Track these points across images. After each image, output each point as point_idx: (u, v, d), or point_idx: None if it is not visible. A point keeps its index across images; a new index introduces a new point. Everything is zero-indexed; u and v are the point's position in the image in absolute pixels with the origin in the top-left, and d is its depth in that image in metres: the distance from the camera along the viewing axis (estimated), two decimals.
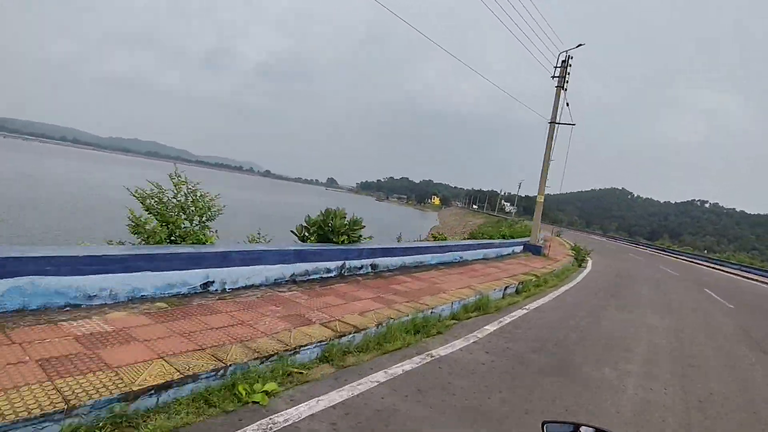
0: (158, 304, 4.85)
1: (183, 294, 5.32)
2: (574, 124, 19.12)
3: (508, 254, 17.14)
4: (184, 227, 6.09)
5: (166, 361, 3.49)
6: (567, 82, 19.23)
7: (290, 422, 3.20)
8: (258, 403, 3.38)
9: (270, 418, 3.20)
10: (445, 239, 17.36)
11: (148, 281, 4.94)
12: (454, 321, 6.86)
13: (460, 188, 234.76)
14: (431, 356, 5.11)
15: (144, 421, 2.87)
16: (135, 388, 2.98)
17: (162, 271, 5.07)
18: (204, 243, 6.16)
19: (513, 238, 19.55)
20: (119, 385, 2.98)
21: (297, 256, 6.86)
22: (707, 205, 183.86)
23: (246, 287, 6.09)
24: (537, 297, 10.05)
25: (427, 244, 11.65)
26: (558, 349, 6.17)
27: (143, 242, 5.66)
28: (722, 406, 4.91)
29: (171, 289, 5.19)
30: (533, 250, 18.92)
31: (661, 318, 9.78)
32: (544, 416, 3.82)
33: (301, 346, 4.32)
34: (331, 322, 5.15)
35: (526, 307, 8.81)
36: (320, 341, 4.54)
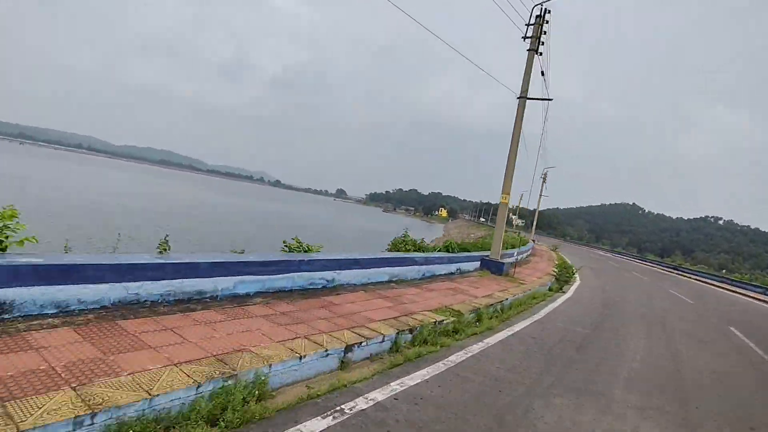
0: None
1: None
2: (550, 99, 14.21)
3: (451, 273, 12.16)
4: None
5: None
6: (542, 44, 14.35)
7: None
8: None
9: None
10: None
11: None
12: None
13: (469, 201, 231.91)
14: None
15: None
16: None
17: None
18: None
19: (468, 251, 14.52)
20: None
21: None
22: (721, 222, 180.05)
23: None
24: (411, 368, 5.06)
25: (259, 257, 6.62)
26: None
27: None
28: None
29: None
30: (493, 267, 13.91)
31: None
32: None
33: None
34: None
35: (338, 407, 3.83)
36: None
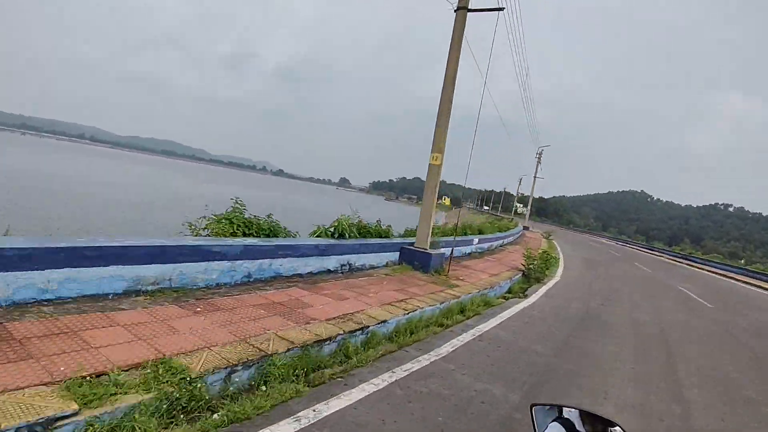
0: None
1: None
2: (501, 9, 9.47)
3: (327, 272, 7.60)
4: None
5: None
6: None
7: None
8: None
9: None
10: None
11: None
12: None
13: (475, 189, 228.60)
14: None
15: None
16: None
17: None
18: None
19: (383, 236, 9.88)
20: None
21: None
22: (731, 209, 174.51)
23: None
24: None
25: None
26: None
27: None
28: None
29: None
30: (417, 260, 9.34)
31: None
32: None
33: None
34: None
35: None
36: None
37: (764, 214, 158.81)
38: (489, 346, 5.66)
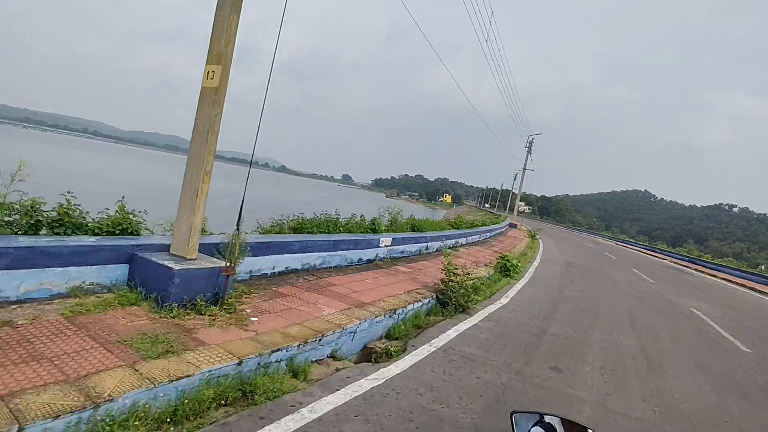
0: None
1: None
2: None
3: None
4: None
5: None
6: None
7: None
8: None
9: None
10: None
11: None
12: None
13: (476, 187, 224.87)
14: None
15: None
16: None
17: None
18: None
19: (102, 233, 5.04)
20: None
21: None
22: (736, 210, 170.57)
23: None
24: None
25: None
26: None
27: None
28: None
29: None
30: (156, 282, 4.49)
31: None
32: None
33: None
34: None
35: None
36: None
37: None
38: None
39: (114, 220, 4.95)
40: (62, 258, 4.09)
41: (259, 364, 3.76)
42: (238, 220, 4.96)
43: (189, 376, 3.17)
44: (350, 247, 8.34)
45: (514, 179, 70.99)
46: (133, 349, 3.40)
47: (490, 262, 12.79)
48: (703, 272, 29.09)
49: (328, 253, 7.71)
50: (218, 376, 3.38)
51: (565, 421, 1.50)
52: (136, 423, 2.64)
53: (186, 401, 3.01)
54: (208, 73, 4.71)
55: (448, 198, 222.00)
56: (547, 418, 1.52)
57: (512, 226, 39.67)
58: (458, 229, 17.02)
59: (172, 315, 4.17)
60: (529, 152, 40.06)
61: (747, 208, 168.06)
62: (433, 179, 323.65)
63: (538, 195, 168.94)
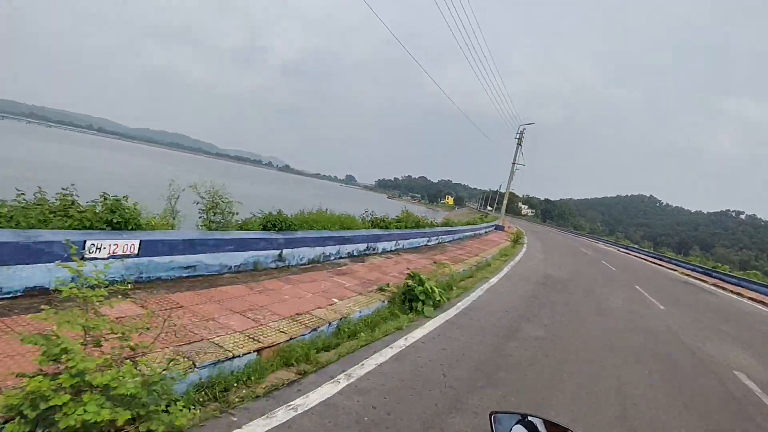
0: None
1: None
2: None
3: None
4: None
5: None
6: None
7: None
8: None
9: None
10: None
11: None
12: None
13: (479, 189, 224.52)
14: None
15: None
16: None
17: None
18: None
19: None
20: None
21: None
22: (743, 216, 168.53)
23: None
24: None
25: None
26: None
27: None
28: None
29: None
30: None
31: None
32: None
33: None
34: None
35: None
36: None
37: None
38: None
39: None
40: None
41: None
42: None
43: None
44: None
45: (511, 180, 69.93)
46: None
47: (399, 285, 7.73)
48: (725, 289, 23.57)
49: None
50: None
51: (547, 422, 1.52)
52: None
53: None
54: None
55: (450, 200, 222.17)
56: (529, 418, 1.52)
57: (498, 228, 37.26)
58: (398, 229, 13.80)
59: None
60: (519, 144, 38.38)
61: (755, 215, 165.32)
62: (437, 181, 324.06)
63: (542, 198, 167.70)
